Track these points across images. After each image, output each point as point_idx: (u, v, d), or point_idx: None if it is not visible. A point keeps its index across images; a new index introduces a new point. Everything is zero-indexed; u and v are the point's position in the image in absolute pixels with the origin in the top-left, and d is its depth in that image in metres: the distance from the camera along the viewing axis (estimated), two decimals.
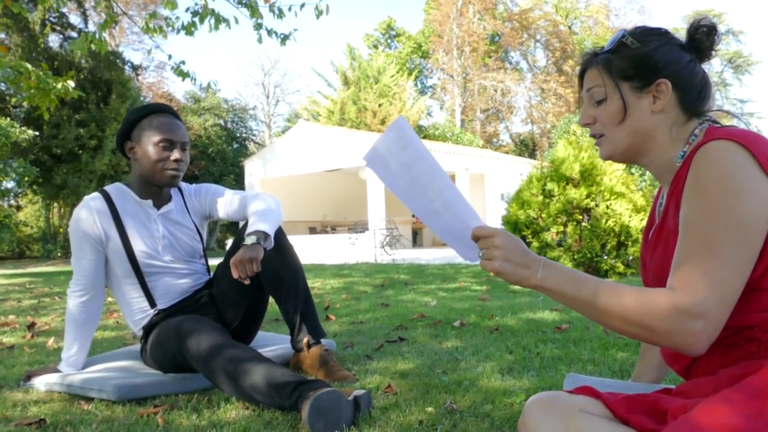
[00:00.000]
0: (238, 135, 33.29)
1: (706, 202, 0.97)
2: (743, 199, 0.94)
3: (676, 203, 1.06)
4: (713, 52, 1.12)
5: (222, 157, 28.89)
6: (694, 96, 1.11)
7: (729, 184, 0.95)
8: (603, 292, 1.00)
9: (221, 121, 32.11)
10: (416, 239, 20.22)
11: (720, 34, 1.11)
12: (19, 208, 24.91)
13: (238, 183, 26.81)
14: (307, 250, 16.23)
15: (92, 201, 2.24)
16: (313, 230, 20.13)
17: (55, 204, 22.94)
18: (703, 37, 1.11)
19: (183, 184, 2.44)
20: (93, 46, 5.96)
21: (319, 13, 6.12)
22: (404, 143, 1.11)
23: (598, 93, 1.15)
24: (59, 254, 20.67)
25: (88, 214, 2.21)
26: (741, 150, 0.97)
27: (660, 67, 1.10)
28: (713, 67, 36.66)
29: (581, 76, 1.20)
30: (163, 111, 2.28)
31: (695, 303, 0.93)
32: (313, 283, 6.56)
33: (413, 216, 18.45)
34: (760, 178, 0.95)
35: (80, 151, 20.07)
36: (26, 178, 17.27)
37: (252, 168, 20.06)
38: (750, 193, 0.94)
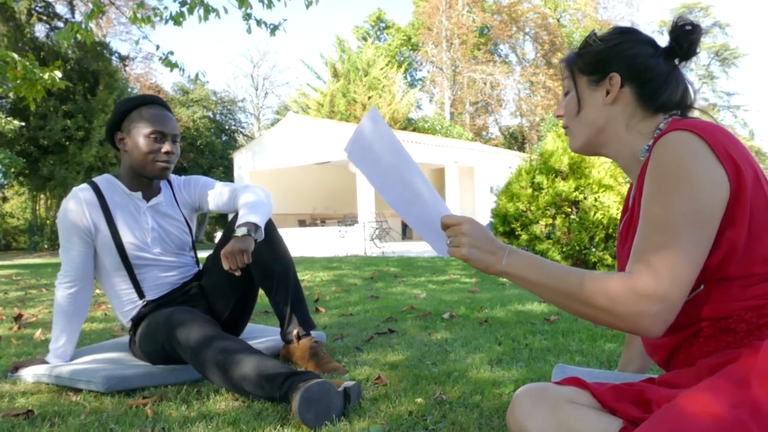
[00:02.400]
0: (227, 127, 33.13)
1: (663, 189, 1.00)
2: (698, 185, 0.97)
3: (641, 195, 1.08)
4: (695, 49, 1.13)
5: (211, 150, 28.75)
6: (651, 90, 1.14)
7: (684, 172, 0.98)
8: (563, 277, 1.03)
9: (210, 113, 31.94)
10: (406, 232, 20.24)
11: (699, 31, 1.13)
12: (5, 199, 24.71)
13: (227, 175, 26.70)
14: (297, 242, 16.21)
15: (81, 192, 2.22)
16: (302, 223, 20.10)
17: (42, 195, 22.76)
18: (680, 35, 1.12)
19: (172, 176, 2.43)
20: (79, 36, 5.90)
21: (308, 4, 6.10)
22: (378, 133, 1.15)
23: (565, 87, 1.23)
24: (46, 246, 20.53)
25: (77, 206, 2.19)
26: (697, 140, 0.99)
27: (613, 62, 1.15)
28: (700, 60, 36.86)
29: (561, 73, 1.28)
30: (154, 102, 2.27)
31: (652, 286, 0.95)
32: (303, 276, 6.55)
33: None
34: (715, 166, 0.98)
35: (67, 143, 19.91)
36: (12, 170, 17.12)
37: (241, 160, 19.98)
38: (704, 180, 0.97)
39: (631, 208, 1.16)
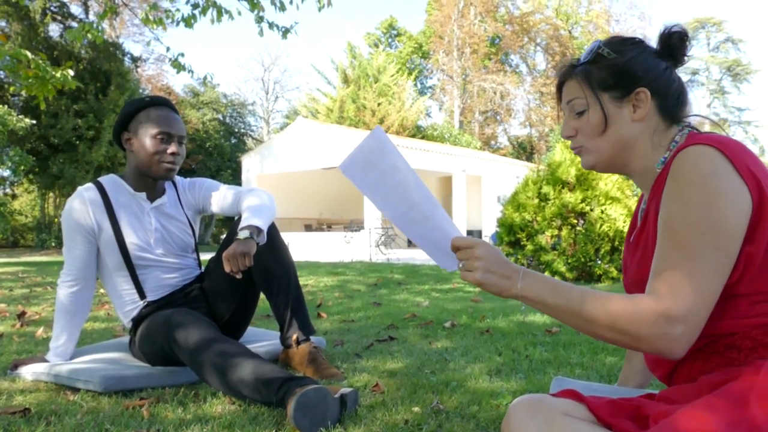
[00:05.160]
0: (236, 130, 33.24)
1: (685, 205, 0.97)
2: (721, 203, 0.95)
3: (656, 208, 1.07)
4: (686, 58, 1.13)
5: (219, 152, 28.86)
6: (672, 102, 1.12)
7: (707, 189, 0.96)
8: (583, 300, 1.00)
9: (219, 116, 32.07)
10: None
11: (691, 39, 1.12)
12: (14, 196, 24.86)
13: (235, 178, 26.78)
14: (303, 247, 16.23)
15: (86, 192, 2.23)
16: (308, 228, 20.13)
17: (51, 194, 22.92)
18: (676, 43, 1.12)
19: (177, 178, 2.44)
20: (90, 36, 5.94)
21: (321, 6, 6.12)
22: (383, 153, 1.10)
23: (579, 104, 1.15)
24: (53, 244, 20.64)
25: (81, 205, 2.20)
26: (719, 155, 0.97)
27: (639, 75, 1.10)
28: (712, 75, 36.78)
29: (559, 88, 1.20)
30: (161, 104, 2.28)
31: (674, 307, 0.93)
32: (307, 281, 6.55)
33: None
34: (737, 183, 0.96)
35: (77, 142, 20.05)
36: (22, 167, 17.24)
37: (249, 163, 20.04)
38: (727, 198, 0.95)
39: (643, 220, 1.13)
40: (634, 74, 1.10)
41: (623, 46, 1.13)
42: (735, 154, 0.97)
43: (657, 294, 0.95)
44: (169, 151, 2.21)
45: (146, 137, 2.20)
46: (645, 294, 0.98)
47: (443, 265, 1.14)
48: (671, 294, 0.94)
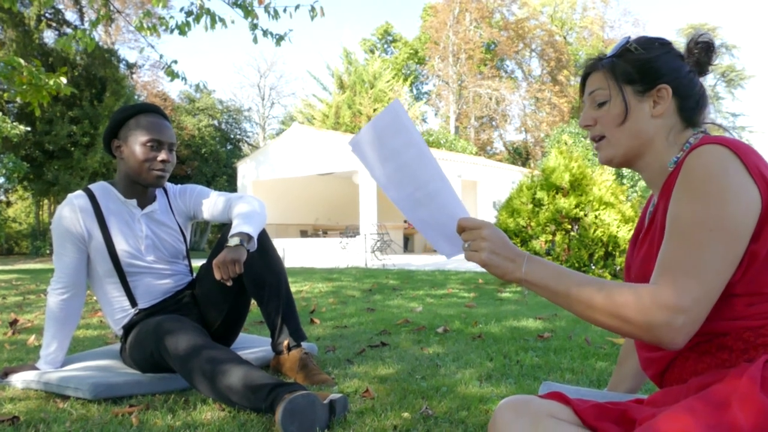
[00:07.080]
0: (232, 136, 33.22)
1: (695, 201, 0.99)
2: (731, 201, 0.96)
3: (665, 206, 1.08)
4: (710, 68, 1.16)
5: (215, 158, 28.84)
6: (692, 104, 1.14)
7: (718, 186, 0.97)
8: (586, 286, 1.01)
9: (215, 122, 32.05)
10: (407, 245, 20.23)
11: (717, 50, 1.14)
12: (9, 203, 24.78)
13: (231, 184, 26.76)
14: (298, 253, 16.21)
15: (76, 199, 2.23)
16: (304, 233, 20.12)
17: (46, 200, 22.85)
18: (701, 52, 1.15)
19: (168, 185, 2.44)
20: (80, 44, 5.94)
21: (313, 15, 6.14)
22: (398, 127, 1.09)
23: (601, 95, 1.18)
24: (48, 251, 20.58)
25: (71, 212, 2.20)
26: (731, 155, 0.99)
27: (662, 73, 1.13)
28: (706, 81, 36.96)
29: (584, 80, 1.23)
30: (151, 111, 2.28)
31: (679, 298, 0.94)
32: (302, 287, 6.54)
33: (405, 221, 18.44)
34: (748, 183, 0.97)
35: (72, 148, 20.02)
36: (16, 174, 17.18)
37: (245, 169, 20.03)
38: (737, 196, 0.96)
39: (652, 218, 1.14)
40: (658, 70, 1.13)
41: (650, 44, 1.16)
42: (747, 155, 0.99)
43: (662, 284, 0.96)
44: (159, 158, 2.22)
45: (136, 144, 2.20)
46: (650, 285, 0.99)
47: (444, 251, 1.13)
48: (676, 285, 0.95)
